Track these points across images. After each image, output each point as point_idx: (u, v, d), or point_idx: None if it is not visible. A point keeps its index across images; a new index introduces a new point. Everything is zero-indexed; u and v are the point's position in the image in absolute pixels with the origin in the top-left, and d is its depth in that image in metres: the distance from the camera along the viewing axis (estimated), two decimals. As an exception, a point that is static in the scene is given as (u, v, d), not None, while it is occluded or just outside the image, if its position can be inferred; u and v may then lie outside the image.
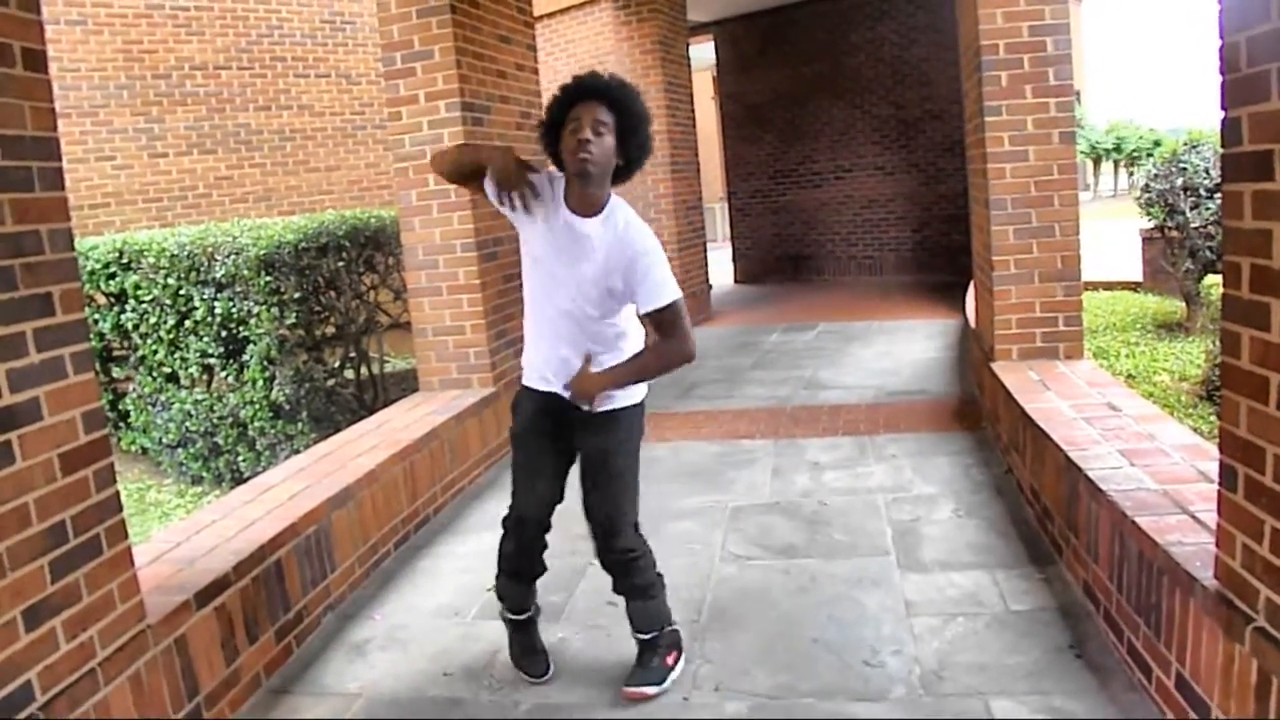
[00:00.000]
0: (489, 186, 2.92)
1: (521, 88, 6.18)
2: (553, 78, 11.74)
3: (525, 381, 3.11)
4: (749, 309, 11.33)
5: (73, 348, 2.52)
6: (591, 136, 2.73)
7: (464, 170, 3.01)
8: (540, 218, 2.89)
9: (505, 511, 3.15)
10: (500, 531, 3.16)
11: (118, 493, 2.68)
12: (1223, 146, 2.22)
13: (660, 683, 3.07)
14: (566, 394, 2.93)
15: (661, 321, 2.86)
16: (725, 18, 13.22)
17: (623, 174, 2.91)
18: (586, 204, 2.85)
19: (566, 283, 2.89)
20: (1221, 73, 2.19)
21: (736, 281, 14.07)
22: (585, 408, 2.92)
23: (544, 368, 3.02)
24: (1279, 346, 2.03)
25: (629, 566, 3.09)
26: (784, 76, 13.11)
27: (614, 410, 3.01)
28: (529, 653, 3.24)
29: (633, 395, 3.04)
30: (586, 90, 2.78)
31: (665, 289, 2.82)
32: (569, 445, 3.09)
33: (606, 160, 2.79)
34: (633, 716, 2.97)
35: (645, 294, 2.82)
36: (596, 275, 2.85)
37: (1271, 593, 2.09)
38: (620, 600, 3.24)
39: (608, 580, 3.19)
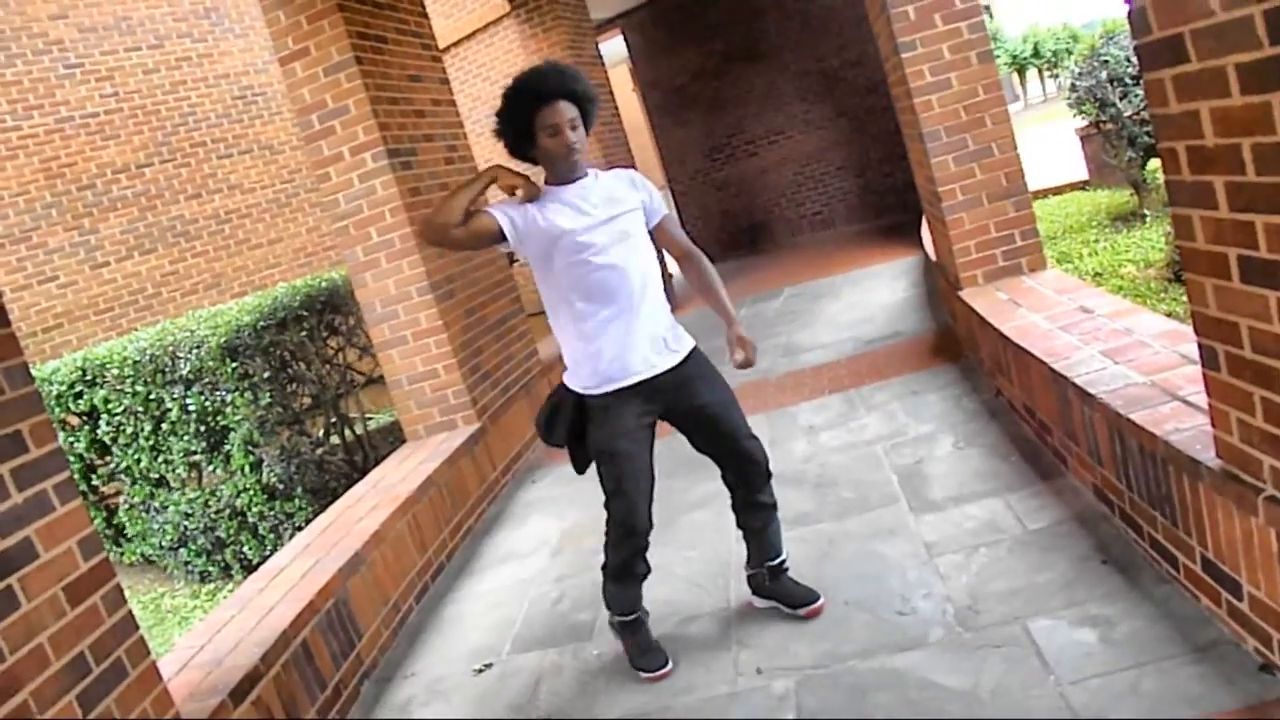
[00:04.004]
0: (499, 215, 2.98)
1: (443, 123, 6.17)
2: (473, 105, 11.73)
3: (614, 385, 3.05)
4: (713, 289, 11.28)
5: (53, 479, 2.49)
6: (573, 137, 2.95)
7: (459, 221, 2.97)
8: (550, 215, 2.98)
9: (609, 529, 3.18)
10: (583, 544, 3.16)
11: (130, 612, 2.65)
12: (1134, 37, 2.24)
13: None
14: (679, 355, 3.12)
15: (671, 227, 3.24)
16: (628, 9, 13.20)
17: None
18: (575, 172, 3.05)
19: (614, 230, 3.03)
20: (1117, -34, 2.21)
21: (695, 264, 14.01)
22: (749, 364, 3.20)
23: (645, 347, 3.05)
24: (1230, 222, 2.05)
25: (768, 489, 3.29)
26: (697, 54, 13.10)
27: (694, 353, 3.20)
28: (647, 650, 3.27)
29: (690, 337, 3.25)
30: (547, 94, 2.93)
31: (659, 201, 3.21)
32: (654, 428, 3.18)
33: (586, 143, 3.03)
34: (682, 710, 2.98)
35: (657, 203, 3.19)
36: (626, 197, 3.10)
37: (1275, 460, 2.12)
38: (650, 604, 3.28)
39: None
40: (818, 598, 3.31)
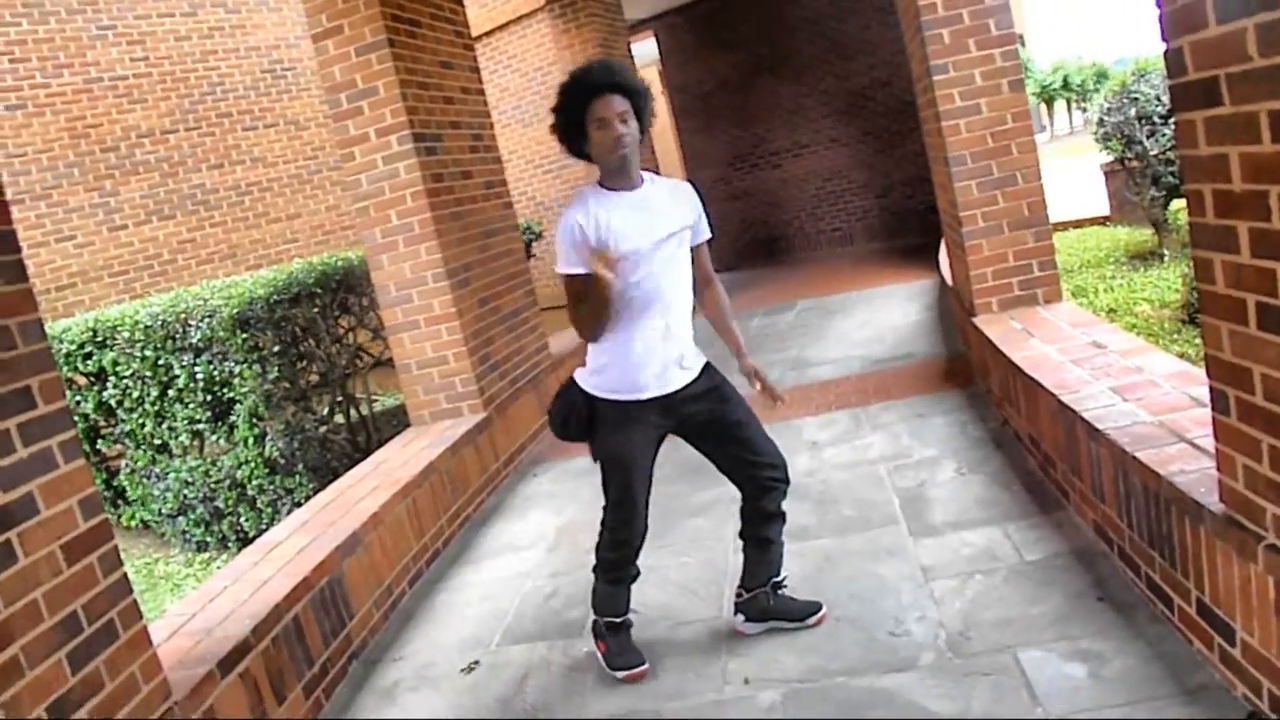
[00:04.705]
0: (581, 267, 2.96)
1: (470, 111, 6.18)
2: (500, 95, 11.77)
3: (633, 396, 3.06)
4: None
5: (59, 437, 2.50)
6: (622, 129, 2.92)
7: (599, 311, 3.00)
8: (606, 226, 2.95)
9: (605, 532, 3.21)
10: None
11: (126, 575, 2.66)
12: (1169, 77, 2.24)
13: None
14: (693, 373, 3.13)
15: (706, 252, 3.30)
16: (662, 12, 13.21)
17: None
18: (631, 179, 3.04)
19: (666, 248, 3.03)
20: (1159, 5, 2.20)
21: (711, 271, 14.02)
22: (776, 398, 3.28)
23: (667, 364, 3.06)
24: (1251, 268, 2.04)
25: (784, 499, 3.25)
26: (727, 63, 13.12)
27: (707, 367, 3.21)
28: (627, 649, 3.29)
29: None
30: (597, 86, 2.94)
31: (706, 222, 3.26)
32: (662, 442, 3.21)
33: (636, 140, 2.99)
34: (669, 715, 2.98)
35: (704, 224, 3.23)
36: (680, 215, 3.09)
37: (1278, 509, 2.11)
38: (643, 607, 3.27)
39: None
40: (821, 606, 3.33)
